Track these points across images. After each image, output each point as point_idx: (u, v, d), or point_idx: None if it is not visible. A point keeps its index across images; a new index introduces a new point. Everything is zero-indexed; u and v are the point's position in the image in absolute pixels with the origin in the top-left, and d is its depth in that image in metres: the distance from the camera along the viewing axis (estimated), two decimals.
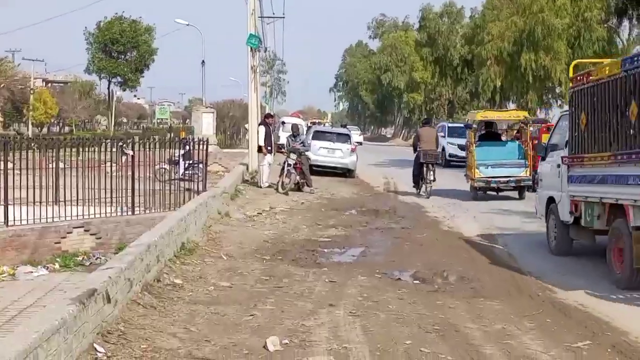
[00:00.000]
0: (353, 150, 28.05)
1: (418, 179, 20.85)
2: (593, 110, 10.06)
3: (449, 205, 18.68)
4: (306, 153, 22.09)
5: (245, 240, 12.50)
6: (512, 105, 50.40)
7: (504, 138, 22.29)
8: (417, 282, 9.76)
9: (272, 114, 29.14)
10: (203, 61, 51.93)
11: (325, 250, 11.93)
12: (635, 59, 8.81)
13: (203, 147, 17.68)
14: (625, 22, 28.69)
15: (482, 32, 41.12)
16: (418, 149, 20.70)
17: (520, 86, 40.00)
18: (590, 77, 10.19)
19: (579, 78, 10.81)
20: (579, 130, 10.55)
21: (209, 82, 79.69)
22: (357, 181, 26.54)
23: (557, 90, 41.60)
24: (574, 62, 14.21)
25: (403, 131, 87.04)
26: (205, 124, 35.38)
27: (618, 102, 9.14)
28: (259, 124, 22.79)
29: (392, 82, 76.98)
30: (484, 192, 20.22)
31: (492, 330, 7.30)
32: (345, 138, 28.58)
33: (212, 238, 12.36)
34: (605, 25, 34.80)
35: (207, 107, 36.28)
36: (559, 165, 11.69)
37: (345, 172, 27.52)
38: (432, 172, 20.41)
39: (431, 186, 20.35)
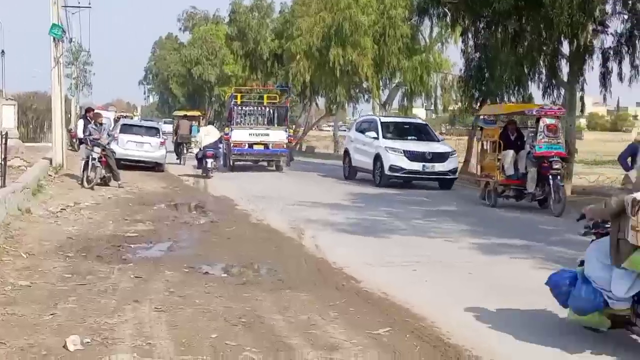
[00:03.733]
0: (162, 144, 27.65)
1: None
2: None
3: (258, 198, 18.75)
4: (114, 146, 21.53)
5: (47, 237, 11.95)
6: (321, 100, 51.57)
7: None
8: (225, 275, 9.69)
9: (92, 107, 28.12)
10: (2, 51, 49.44)
11: (132, 245, 11.61)
12: None
13: (2, 141, 16.77)
14: (427, 21, 29.84)
15: (292, 27, 41.74)
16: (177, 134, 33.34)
17: (329, 81, 40.86)
18: None
19: None
20: None
21: (14, 73, 75.94)
22: (167, 175, 26.18)
23: (364, 85, 42.80)
24: None
25: (215, 124, 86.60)
26: (6, 117, 33.58)
27: None
28: (79, 117, 22.15)
29: (203, 75, 76.52)
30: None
31: (298, 321, 7.36)
32: (154, 132, 28.18)
33: (11, 236, 11.73)
34: (409, 23, 36.11)
35: (7, 99, 34.45)
36: None
37: (154, 166, 27.10)
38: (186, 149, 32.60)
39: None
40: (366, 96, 44.58)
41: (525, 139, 18.94)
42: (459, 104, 36.43)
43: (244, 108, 31.14)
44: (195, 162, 27.32)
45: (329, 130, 67.18)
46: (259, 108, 31.90)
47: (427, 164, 22.85)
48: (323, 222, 14.66)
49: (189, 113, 46.15)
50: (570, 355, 6.56)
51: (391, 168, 22.88)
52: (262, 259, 10.70)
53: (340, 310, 7.82)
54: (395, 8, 36.98)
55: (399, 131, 25.19)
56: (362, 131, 25.56)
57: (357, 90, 44.48)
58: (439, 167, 22.95)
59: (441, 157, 23.18)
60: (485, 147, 20.30)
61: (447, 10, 25.05)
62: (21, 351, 6.21)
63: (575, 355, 6.57)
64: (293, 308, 7.87)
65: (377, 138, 23.90)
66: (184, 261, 10.32)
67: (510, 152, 18.53)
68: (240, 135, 28.85)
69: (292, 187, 22.04)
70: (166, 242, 12.14)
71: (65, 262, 10.08)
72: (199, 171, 25.79)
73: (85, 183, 19.47)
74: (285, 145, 29.33)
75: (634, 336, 6.74)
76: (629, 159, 14.21)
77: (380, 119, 25.64)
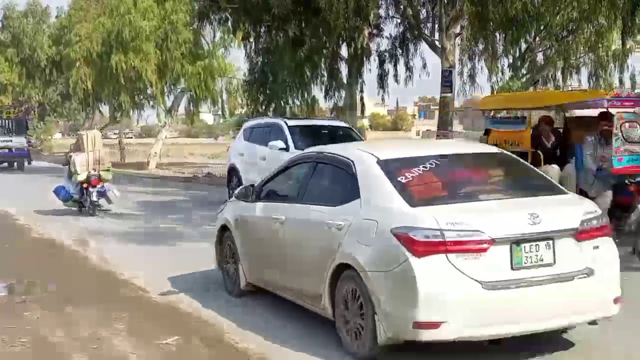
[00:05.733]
0: None
1: None
2: None
3: (39, 213, 17.85)
4: None
5: None
6: (105, 108, 50.24)
7: None
8: (4, 294, 9.20)
9: None
10: None
11: None
12: None
13: None
14: (209, 26, 29.83)
15: (70, 32, 40.38)
16: None
17: (112, 87, 39.87)
18: None
19: None
20: None
21: None
22: None
23: (149, 91, 42.14)
24: None
25: None
26: None
27: None
28: None
29: None
30: None
31: (82, 337, 7.10)
32: None
33: None
34: (191, 28, 35.95)
35: None
36: None
37: None
38: None
39: None
40: (151, 102, 43.90)
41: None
42: (245, 108, 36.76)
43: None
44: None
45: (115, 138, 65.61)
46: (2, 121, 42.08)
47: None
48: (107, 233, 14.25)
49: None
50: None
51: None
52: (44, 275, 10.24)
53: (127, 322, 7.63)
54: (176, 13, 36.68)
55: (315, 139, 16.57)
56: (258, 141, 18.12)
57: (142, 97, 43.67)
58: None
59: None
60: None
61: (228, 15, 25.19)
62: None
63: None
64: (77, 324, 7.60)
65: (286, 149, 16.38)
66: None
67: (555, 169, 12.03)
68: None
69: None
70: None
71: None
72: None
73: None
74: (25, 149, 38.64)
75: None
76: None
77: (286, 123, 17.79)
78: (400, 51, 24.45)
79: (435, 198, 6.69)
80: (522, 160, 8.02)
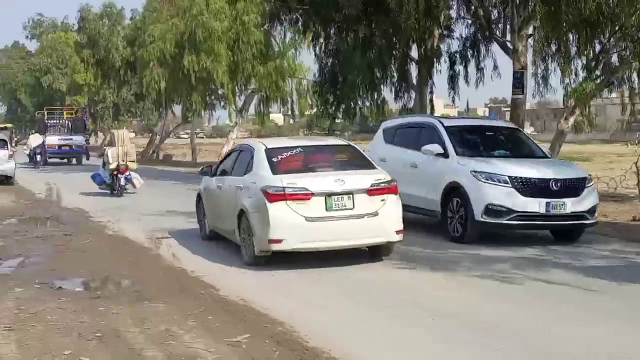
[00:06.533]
0: (11, 156, 26.70)
1: None
2: None
3: (114, 209, 18.34)
4: None
5: None
6: (177, 108, 50.97)
7: None
8: (80, 289, 9.45)
9: None
10: None
11: None
12: None
13: None
14: (279, 27, 30.10)
15: (144, 34, 41.02)
16: None
17: (184, 88, 40.33)
18: None
19: None
20: None
21: None
22: (17, 188, 25.25)
23: (220, 92, 42.57)
24: None
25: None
26: None
27: None
28: None
29: (54, 84, 74.14)
30: None
31: (155, 333, 7.24)
32: (2, 144, 27.14)
33: None
34: (262, 29, 36.19)
35: None
36: None
37: (2, 180, 26.11)
38: None
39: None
40: (222, 102, 44.36)
41: None
42: (315, 108, 36.87)
43: (51, 121, 46.59)
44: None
45: (186, 138, 66.49)
46: (63, 120, 47.10)
47: (553, 201, 12.65)
48: (180, 231, 14.50)
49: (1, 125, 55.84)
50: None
51: (490, 210, 12.64)
52: (118, 271, 10.47)
53: (199, 319, 7.75)
54: (247, 14, 36.91)
55: (479, 142, 14.73)
56: (405, 144, 15.32)
57: (213, 97, 44.20)
58: (572, 205, 12.74)
59: (573, 187, 13.02)
60: None
61: (298, 16, 25.34)
62: None
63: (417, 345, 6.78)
64: (150, 320, 7.74)
65: (444, 155, 13.74)
66: (35, 277, 9.99)
67: None
68: (52, 139, 43.49)
69: (147, 197, 21.56)
70: (16, 257, 11.71)
71: None
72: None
73: None
74: (83, 146, 44.36)
75: None
76: None
77: (442, 123, 14.64)
78: (471, 52, 24.28)
79: (288, 170, 11.01)
80: (358, 148, 12.26)
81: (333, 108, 28.03)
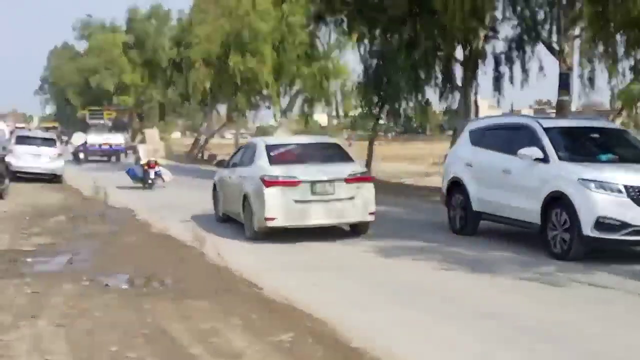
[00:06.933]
0: (60, 155, 27.17)
1: None
2: None
3: (159, 207, 18.60)
4: (9, 159, 21.06)
5: None
6: (222, 108, 51.38)
7: None
8: (126, 286, 9.60)
9: None
10: None
11: (29, 259, 11.37)
12: None
13: None
14: (324, 28, 30.20)
15: (190, 34, 41.41)
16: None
17: (229, 88, 40.68)
18: None
19: None
20: None
21: None
22: (65, 187, 25.67)
23: (265, 92, 42.83)
24: None
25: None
26: None
27: None
28: None
29: (101, 84, 75.14)
30: None
31: (199, 330, 7.34)
32: (51, 143, 27.66)
33: None
34: (307, 30, 36.33)
35: None
36: None
37: (52, 178, 26.56)
38: None
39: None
40: (267, 103, 44.62)
41: None
42: (359, 109, 36.90)
43: (92, 121, 51.90)
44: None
45: (231, 138, 66.83)
46: (103, 121, 52.32)
47: None
48: (224, 230, 14.64)
49: (49, 125, 60.31)
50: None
51: (601, 224, 10.97)
52: (163, 269, 10.61)
53: (242, 317, 7.84)
54: (293, 15, 37.13)
55: (583, 145, 13.15)
56: (496, 147, 13.73)
57: (258, 98, 44.46)
58: None
59: None
60: None
61: (343, 17, 25.40)
62: None
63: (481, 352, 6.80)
64: (195, 317, 7.85)
65: (544, 160, 12.09)
66: (83, 274, 10.17)
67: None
68: (93, 138, 46.16)
69: (194, 197, 21.75)
70: (65, 255, 11.92)
71: None
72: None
73: None
74: (122, 145, 46.45)
75: None
76: None
77: (541, 124, 12.89)
78: (517, 53, 24.13)
79: (283, 162, 13.75)
80: (341, 145, 15.75)
81: (377, 109, 28.05)
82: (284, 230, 13.21)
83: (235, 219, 14.78)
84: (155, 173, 24.48)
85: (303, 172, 13.16)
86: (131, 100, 70.30)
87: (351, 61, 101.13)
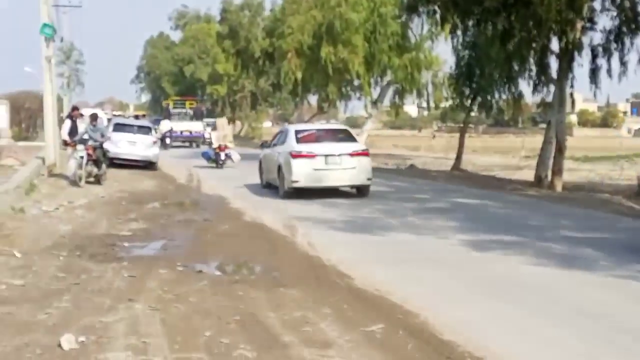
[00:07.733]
0: (155, 143, 27.78)
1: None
2: None
3: (252, 196, 18.87)
4: (106, 145, 21.62)
5: (41, 237, 12.04)
6: (313, 98, 51.67)
7: None
8: (219, 273, 9.78)
9: (77, 107, 28.01)
10: None
11: (126, 244, 11.71)
12: None
13: None
14: (417, 18, 30.00)
15: (283, 25, 41.66)
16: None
17: (320, 78, 40.75)
18: None
19: None
20: None
21: (4, 72, 75.70)
22: (160, 174, 26.25)
23: (356, 83, 42.79)
24: None
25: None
26: None
27: None
28: (66, 117, 22.30)
29: (195, 74, 76.45)
30: None
31: (291, 319, 7.45)
32: (147, 130, 28.31)
33: (5, 235, 11.82)
34: (399, 21, 36.13)
35: None
36: None
37: (147, 165, 27.18)
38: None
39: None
40: (357, 94, 44.58)
41: None
42: (450, 101, 36.55)
43: (174, 110, 53.66)
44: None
45: None
46: (185, 110, 53.82)
47: None
48: (316, 220, 14.76)
49: (138, 113, 62.88)
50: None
51: None
52: (255, 257, 10.77)
53: (334, 307, 7.91)
54: (385, 5, 36.96)
55: None
56: None
57: (349, 88, 44.45)
58: None
59: None
60: None
61: (436, 8, 25.18)
62: (16, 350, 6.29)
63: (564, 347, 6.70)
64: (287, 306, 7.96)
65: None
66: (178, 260, 10.41)
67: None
68: (176, 126, 49.52)
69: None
70: (160, 240, 12.22)
71: (59, 261, 10.16)
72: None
73: (78, 182, 19.57)
74: (201, 132, 48.51)
75: None
76: None
77: None
78: (615, 45, 23.47)
79: (306, 141, 18.66)
80: (349, 130, 20.79)
81: (469, 101, 27.74)
82: (371, 219, 13.91)
83: (272, 184, 19.83)
84: (226, 155, 28.84)
85: (320, 148, 18.23)
86: (223, 89, 71.30)
87: (443, 52, 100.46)
